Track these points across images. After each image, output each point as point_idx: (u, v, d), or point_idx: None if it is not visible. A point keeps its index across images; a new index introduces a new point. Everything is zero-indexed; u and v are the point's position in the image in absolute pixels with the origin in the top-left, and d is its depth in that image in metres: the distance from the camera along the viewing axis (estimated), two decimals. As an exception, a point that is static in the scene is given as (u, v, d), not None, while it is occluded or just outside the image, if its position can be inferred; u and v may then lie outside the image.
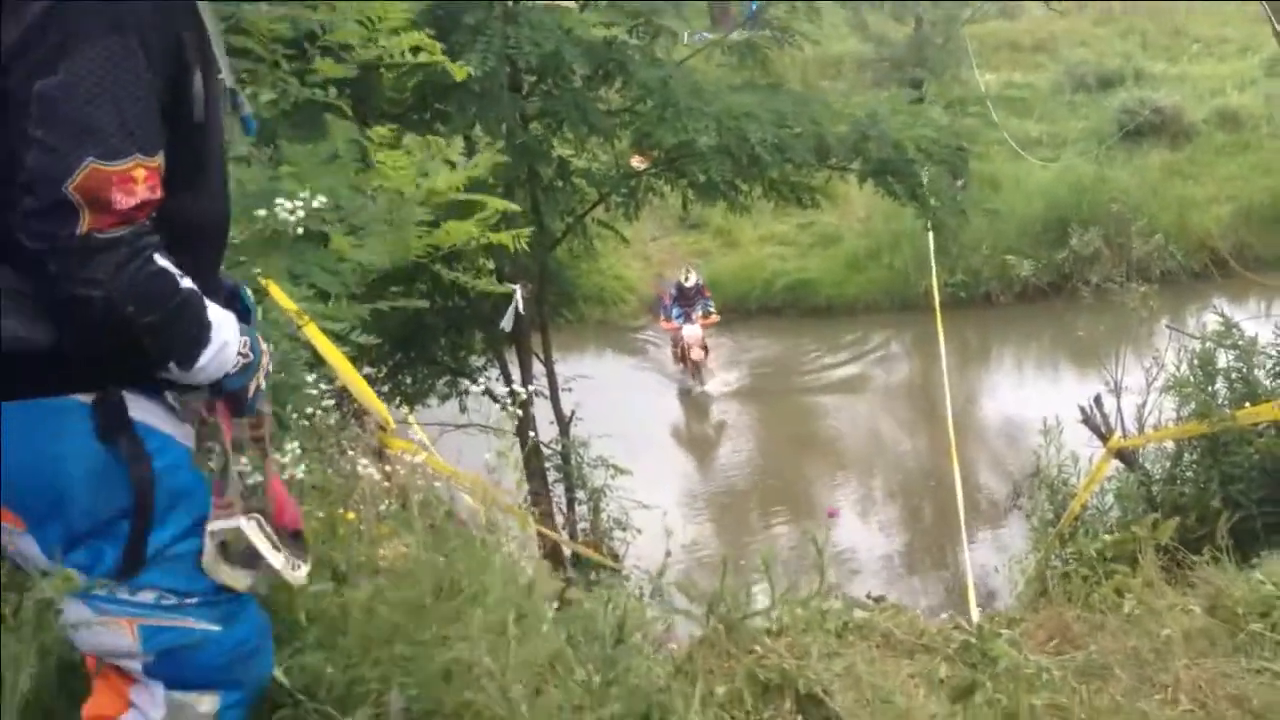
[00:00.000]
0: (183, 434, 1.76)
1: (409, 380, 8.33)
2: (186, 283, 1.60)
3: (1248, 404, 6.49)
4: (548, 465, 8.07)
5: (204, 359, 1.64)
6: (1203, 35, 22.81)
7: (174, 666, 1.76)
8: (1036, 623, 3.74)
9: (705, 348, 14.66)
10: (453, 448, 7.31)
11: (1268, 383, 6.67)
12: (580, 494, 8.21)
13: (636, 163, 7.56)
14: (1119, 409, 7.63)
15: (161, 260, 1.56)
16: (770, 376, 15.16)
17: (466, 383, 8.40)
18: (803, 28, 6.98)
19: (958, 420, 11.74)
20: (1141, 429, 7.50)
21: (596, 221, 7.52)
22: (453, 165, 2.68)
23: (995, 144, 17.38)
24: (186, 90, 1.62)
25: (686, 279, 15.22)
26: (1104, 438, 7.38)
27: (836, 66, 21.27)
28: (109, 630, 1.70)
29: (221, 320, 1.67)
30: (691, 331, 14.52)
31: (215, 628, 1.77)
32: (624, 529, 8.39)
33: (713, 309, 15.10)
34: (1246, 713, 2.90)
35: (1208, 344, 6.86)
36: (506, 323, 5.60)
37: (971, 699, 2.95)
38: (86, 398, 1.63)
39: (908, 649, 3.64)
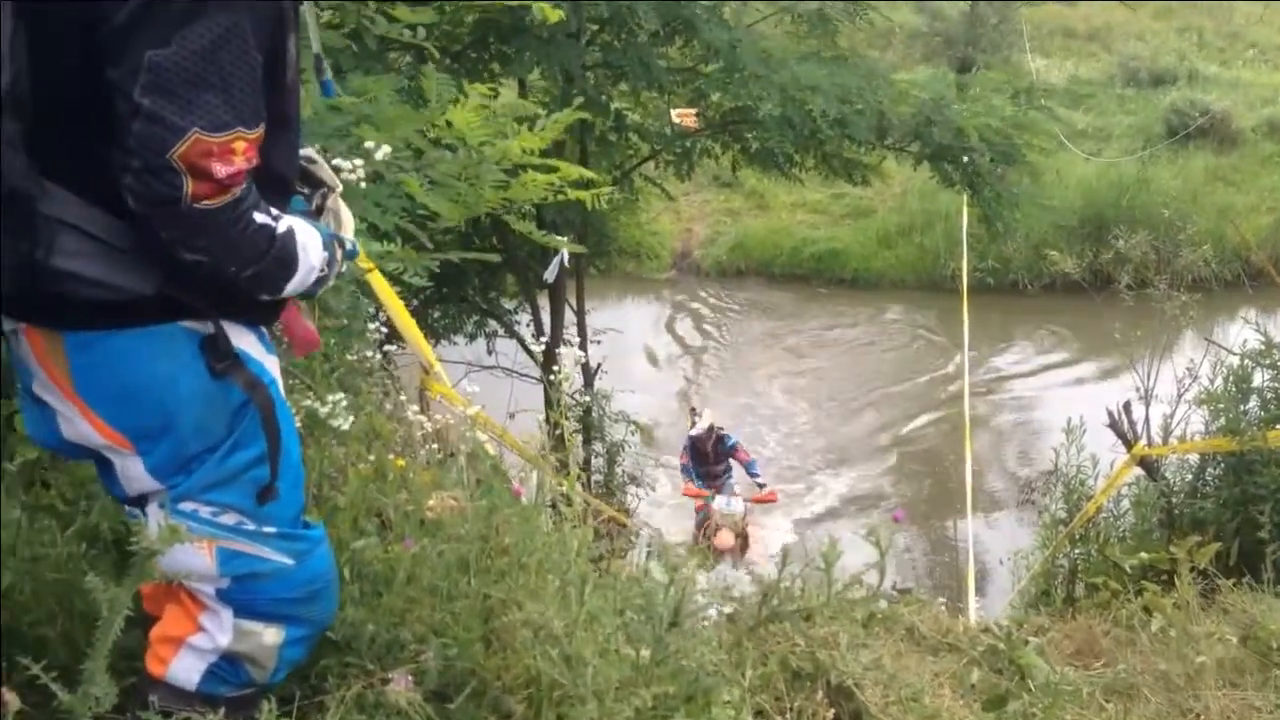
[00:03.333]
0: (272, 364, 1.82)
1: (436, 314, 8.32)
2: (282, 226, 1.67)
3: (1277, 426, 6.46)
4: (569, 416, 8.06)
5: (290, 288, 1.73)
6: (1260, 40, 22.47)
7: (245, 594, 1.82)
8: (1064, 632, 3.73)
9: (746, 535, 9.22)
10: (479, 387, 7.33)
11: (1307, 405, 6.62)
12: (597, 447, 8.22)
13: (680, 118, 7.48)
14: (1146, 416, 7.59)
15: (260, 217, 1.62)
16: (791, 344, 15.12)
17: (495, 324, 8.39)
18: (876, 3, 6.89)
19: (975, 407, 11.73)
20: (1166, 439, 7.47)
21: (643, 176, 7.46)
22: (530, 125, 2.63)
23: (1041, 133, 17.20)
24: (282, 57, 1.67)
25: (692, 424, 9.93)
26: (1129, 444, 7.35)
27: (887, 37, 20.98)
28: (189, 550, 1.73)
29: (308, 244, 1.73)
30: (729, 509, 9.02)
31: (289, 561, 1.84)
32: (638, 485, 8.42)
33: (759, 475, 9.80)
34: (1282, 747, 2.89)
35: (1245, 361, 6.80)
36: (550, 274, 5.56)
37: (1004, 710, 2.94)
38: (193, 324, 1.68)
39: (932, 646, 3.63)
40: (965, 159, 6.27)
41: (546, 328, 7.75)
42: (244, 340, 1.75)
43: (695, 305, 16.40)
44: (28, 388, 1.74)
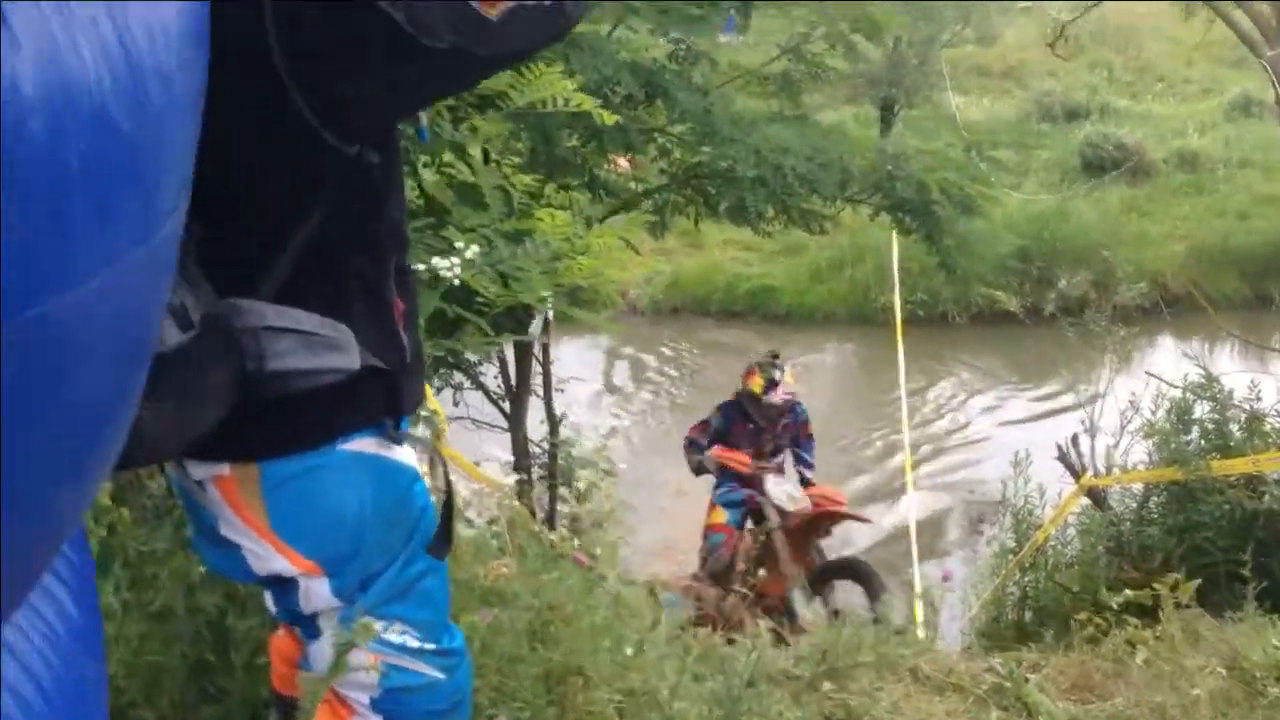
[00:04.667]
0: (421, 468, 1.94)
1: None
2: None
3: (1217, 455, 6.85)
4: (534, 463, 8.20)
5: None
6: (1167, 74, 23.44)
7: (397, 705, 1.91)
8: (1058, 668, 3.97)
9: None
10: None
11: (1239, 435, 7.03)
12: (564, 492, 8.34)
13: (624, 166, 7.65)
14: (1092, 448, 7.97)
15: None
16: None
17: (460, 376, 8.50)
18: (837, 63, 7.22)
19: (918, 438, 12.09)
20: (1110, 469, 7.84)
21: (610, 231, 7.62)
22: (588, 223, 2.85)
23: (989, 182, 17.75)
24: None
25: (767, 386, 6.97)
26: (1077, 475, 7.72)
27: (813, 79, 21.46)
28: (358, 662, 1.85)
29: None
30: (786, 489, 6.87)
31: (441, 676, 1.93)
32: (603, 529, 8.55)
33: (813, 463, 7.42)
34: (1271, 774, 3.14)
35: (1186, 394, 7.20)
36: (535, 330, 5.74)
37: (1025, 747, 3.18)
38: (371, 448, 1.80)
39: (936, 685, 3.85)
40: (927, 211, 6.60)
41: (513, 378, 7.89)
42: (401, 453, 1.87)
43: (641, 347, 16.55)
44: (209, 530, 1.84)
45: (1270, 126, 18.13)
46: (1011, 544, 8.46)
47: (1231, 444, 7.01)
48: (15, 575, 0.99)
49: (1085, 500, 7.82)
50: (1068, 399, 11.95)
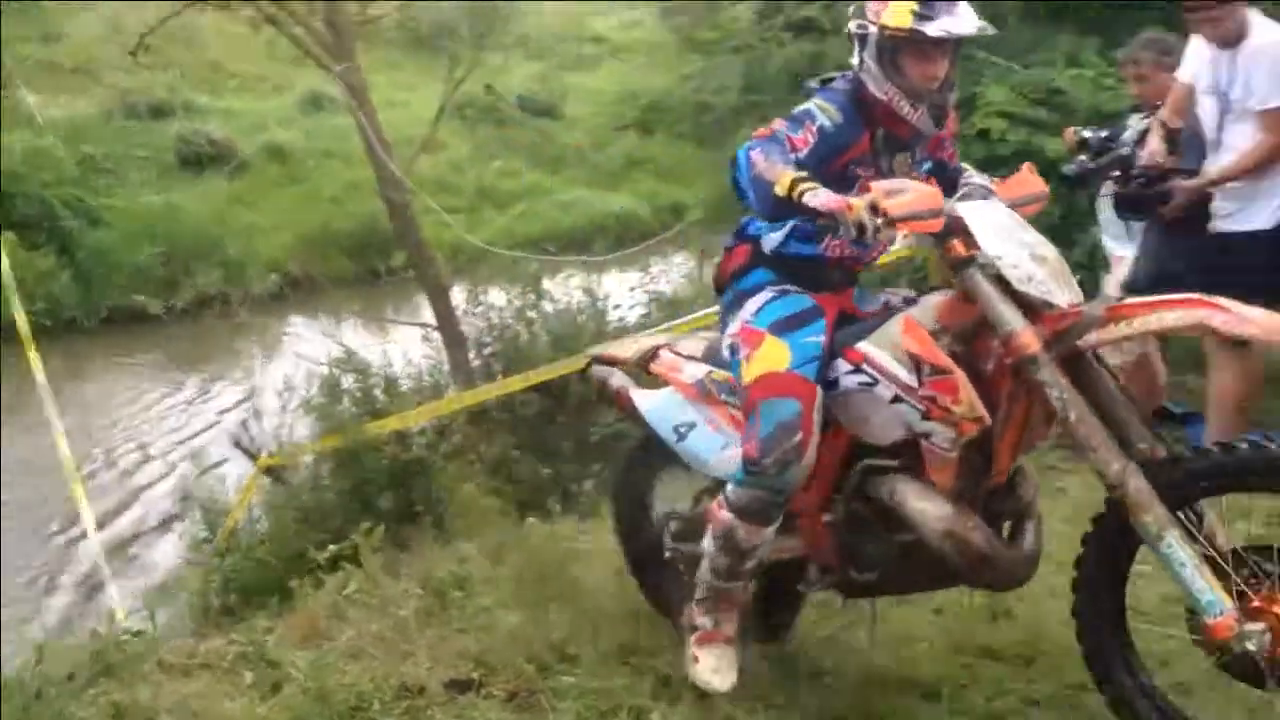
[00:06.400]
0: None
1: None
2: None
3: (369, 418, 7.86)
4: None
5: None
6: (239, 72, 24.50)
7: None
8: (289, 625, 4.49)
9: None
10: None
11: (383, 399, 8.11)
12: None
13: None
14: (261, 430, 8.56)
15: None
16: None
17: None
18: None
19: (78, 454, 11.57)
20: (281, 447, 8.51)
21: None
22: None
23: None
24: None
25: (923, 12, 2.96)
26: (254, 457, 8.27)
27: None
28: None
29: None
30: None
31: None
32: None
33: None
34: (470, 659, 3.94)
35: (332, 369, 8.11)
36: None
37: (282, 692, 3.68)
38: None
39: (184, 670, 4.15)
40: (56, 228, 6.55)
41: None
42: None
43: None
44: None
45: (343, 117, 20.00)
46: (205, 534, 8.67)
47: (378, 406, 8.06)
48: None
49: (267, 480, 8.38)
50: (230, 389, 12.24)
